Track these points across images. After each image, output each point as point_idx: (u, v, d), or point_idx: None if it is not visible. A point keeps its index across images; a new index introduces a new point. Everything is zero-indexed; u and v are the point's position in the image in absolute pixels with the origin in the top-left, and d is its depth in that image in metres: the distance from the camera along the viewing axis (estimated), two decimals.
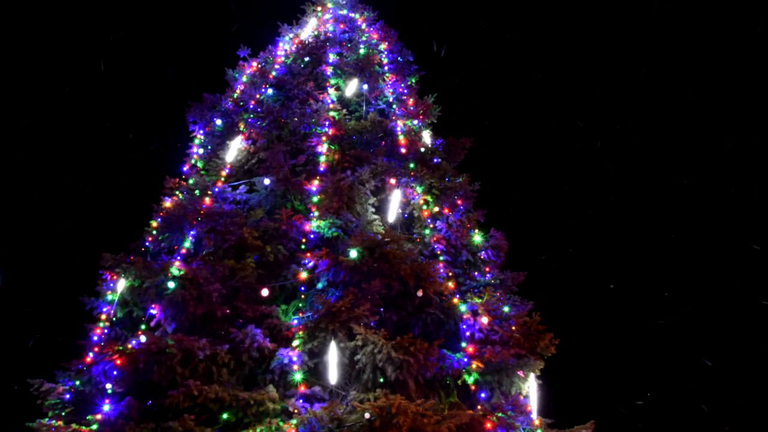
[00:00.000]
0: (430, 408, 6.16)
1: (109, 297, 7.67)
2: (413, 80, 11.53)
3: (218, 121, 9.94)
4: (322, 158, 8.90)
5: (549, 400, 7.63)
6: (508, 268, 8.95)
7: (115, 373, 6.81)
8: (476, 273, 8.75)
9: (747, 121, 19.59)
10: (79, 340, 7.54)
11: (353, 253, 7.44)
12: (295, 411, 6.47)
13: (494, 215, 9.72)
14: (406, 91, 10.76)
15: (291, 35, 11.75)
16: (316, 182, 8.55)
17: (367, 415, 5.96)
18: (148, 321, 7.42)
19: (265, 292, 7.52)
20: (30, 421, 6.68)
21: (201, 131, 10.06)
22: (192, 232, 8.19)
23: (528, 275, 9.00)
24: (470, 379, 7.03)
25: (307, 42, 11.38)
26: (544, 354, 7.33)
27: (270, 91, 10.26)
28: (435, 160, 9.78)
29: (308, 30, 11.89)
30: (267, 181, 8.72)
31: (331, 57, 10.82)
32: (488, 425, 6.52)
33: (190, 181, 9.03)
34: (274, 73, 10.57)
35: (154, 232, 8.57)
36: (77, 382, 7.16)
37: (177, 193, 8.80)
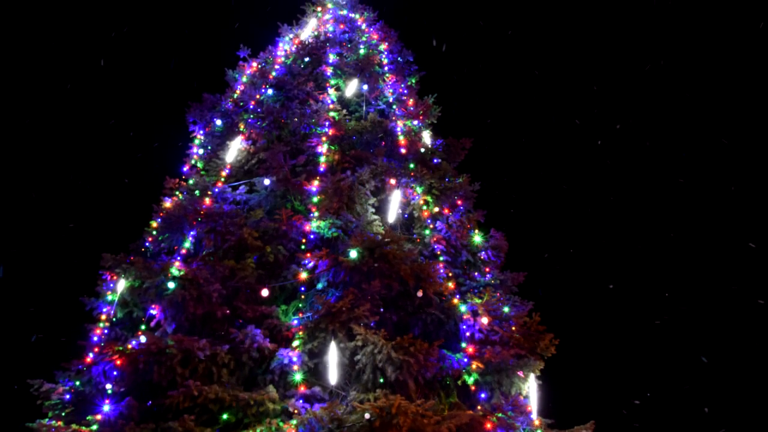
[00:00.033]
0: (430, 408, 6.16)
1: (109, 297, 7.67)
2: (413, 80, 11.53)
3: (218, 122, 9.94)
4: (322, 158, 8.91)
5: (549, 400, 7.64)
6: (508, 269, 8.95)
7: (115, 373, 6.81)
8: (476, 273, 8.76)
9: (741, 118, 19.63)
10: (79, 341, 7.54)
11: (353, 254, 7.44)
12: (295, 411, 6.48)
13: (494, 215, 9.73)
14: (406, 91, 10.76)
15: (291, 35, 11.75)
16: (316, 182, 8.55)
17: (367, 416, 5.96)
18: (148, 321, 7.42)
19: (265, 293, 7.52)
20: (30, 421, 6.68)
21: (201, 131, 10.06)
22: (192, 233, 8.19)
23: (528, 275, 9.01)
24: (470, 380, 7.03)
25: (307, 42, 11.38)
26: (544, 354, 7.33)
27: (270, 91, 10.27)
28: (435, 161, 9.78)
29: (308, 30, 11.90)
30: (267, 182, 8.72)
31: (331, 57, 10.82)
32: (488, 425, 6.52)
33: (190, 182, 9.03)
34: (274, 74, 10.57)
35: (154, 232, 8.57)
36: (77, 383, 7.16)
37: (177, 193, 8.80)
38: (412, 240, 8.68)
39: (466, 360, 7.12)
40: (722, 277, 17.73)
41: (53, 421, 6.76)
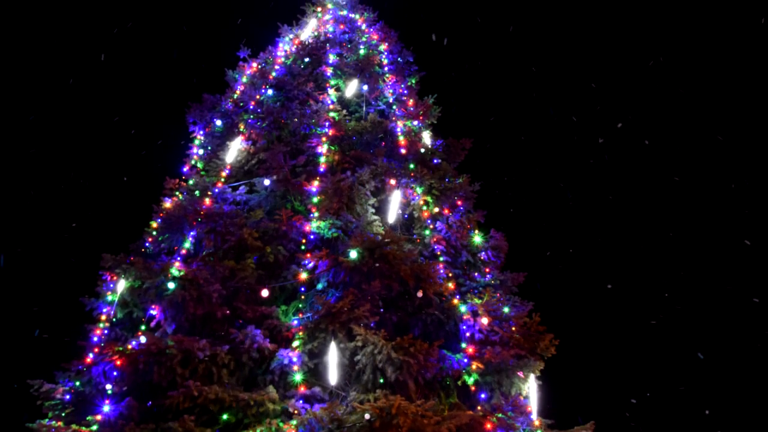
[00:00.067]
0: (430, 409, 6.15)
1: (109, 298, 7.67)
2: (413, 81, 11.53)
3: (218, 122, 9.95)
4: (322, 159, 8.91)
5: (549, 400, 7.64)
6: (508, 269, 8.96)
7: (115, 373, 6.80)
8: (476, 274, 8.76)
9: (736, 115, 19.64)
10: (79, 341, 7.53)
11: (353, 254, 7.44)
12: (295, 412, 6.47)
13: (494, 216, 9.73)
14: (406, 91, 10.77)
15: (291, 36, 11.75)
16: (316, 183, 8.55)
17: (367, 416, 5.96)
18: (148, 322, 7.41)
19: (265, 293, 7.52)
20: (30, 421, 6.68)
21: (201, 132, 10.06)
22: (192, 233, 8.19)
23: (527, 276, 9.02)
24: (470, 380, 7.03)
25: (307, 43, 11.38)
26: (544, 355, 7.33)
27: (270, 91, 10.27)
28: (435, 161, 9.78)
29: (308, 31, 11.90)
30: (267, 182, 8.72)
31: (331, 58, 10.82)
32: (488, 426, 6.52)
33: (190, 182, 9.03)
34: (274, 74, 10.57)
35: (154, 232, 8.57)
36: (77, 383, 7.15)
37: (177, 193, 8.80)
38: (412, 240, 8.68)
39: (466, 360, 7.12)
40: (719, 275, 17.76)
41: (53, 422, 6.76)
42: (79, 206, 17.53)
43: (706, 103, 20.19)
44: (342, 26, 11.89)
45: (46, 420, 6.83)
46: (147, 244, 8.54)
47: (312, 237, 8.01)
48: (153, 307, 7.39)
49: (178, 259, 7.85)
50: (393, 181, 8.84)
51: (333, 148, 9.11)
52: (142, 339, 6.89)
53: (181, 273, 7.29)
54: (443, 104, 10.73)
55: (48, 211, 17.41)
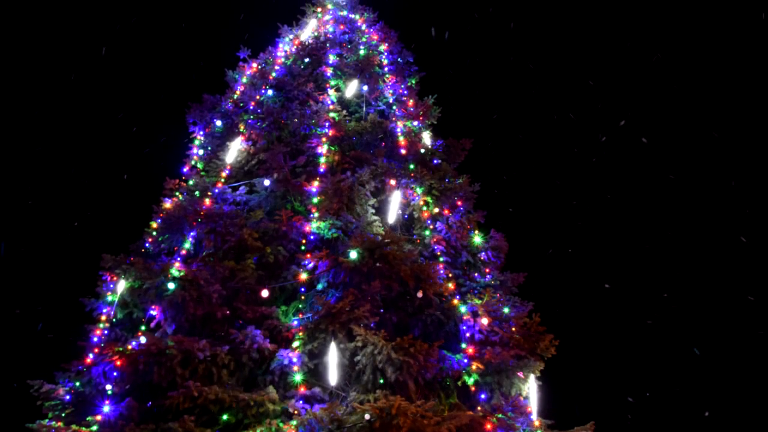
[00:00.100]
0: (430, 409, 6.15)
1: (109, 298, 7.67)
2: (413, 81, 11.54)
3: (218, 122, 9.95)
4: (322, 159, 8.91)
5: (549, 401, 7.63)
6: (508, 269, 8.96)
7: (115, 374, 6.81)
8: (476, 274, 8.76)
9: (732, 114, 19.65)
10: (79, 341, 7.53)
11: (353, 254, 7.44)
12: (295, 412, 6.47)
13: (494, 216, 9.74)
14: (406, 92, 10.77)
15: (291, 36, 11.76)
16: (316, 183, 8.55)
17: (367, 416, 5.96)
18: (148, 322, 7.41)
19: (265, 293, 7.52)
20: (30, 422, 6.68)
21: (201, 132, 10.07)
22: (192, 233, 8.19)
23: (527, 276, 9.01)
24: (470, 380, 7.03)
25: (307, 43, 11.39)
26: (544, 355, 7.33)
27: (270, 92, 10.27)
28: (435, 161, 9.79)
29: (308, 31, 11.90)
30: (267, 182, 8.72)
31: (331, 58, 10.83)
32: (488, 426, 6.51)
33: (190, 182, 9.03)
34: (274, 74, 10.57)
35: (154, 233, 8.57)
36: (77, 383, 7.15)
37: (177, 194, 8.80)
38: (412, 241, 8.69)
39: (466, 361, 7.12)
40: (716, 274, 17.77)
41: (53, 422, 6.75)
42: (79, 206, 17.54)
43: (703, 102, 20.22)
44: (342, 27, 11.89)
45: (46, 420, 6.83)
46: (147, 245, 8.54)
47: (312, 237, 8.01)
48: (153, 307, 7.39)
49: (178, 259, 7.85)
50: (393, 182, 8.85)
51: (333, 148, 9.11)
52: (142, 339, 6.89)
53: (181, 273, 7.30)
54: (443, 103, 10.75)
55: (48, 211, 17.42)
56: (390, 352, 6.71)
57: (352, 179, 8.55)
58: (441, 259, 8.34)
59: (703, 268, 17.86)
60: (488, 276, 8.72)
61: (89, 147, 18.66)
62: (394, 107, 10.33)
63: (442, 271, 8.05)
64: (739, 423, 15.57)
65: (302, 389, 6.80)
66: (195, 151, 9.80)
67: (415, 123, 10.11)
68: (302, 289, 7.60)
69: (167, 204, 8.59)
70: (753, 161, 18.92)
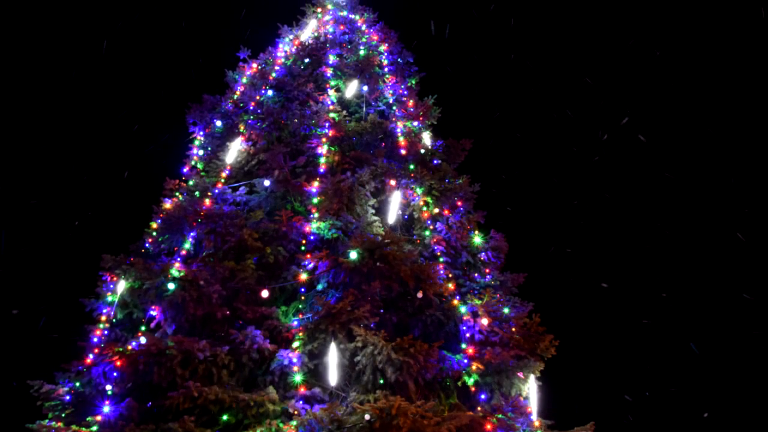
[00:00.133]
0: (430, 409, 6.15)
1: (109, 298, 7.67)
2: (413, 81, 11.54)
3: (218, 123, 9.95)
4: (322, 160, 8.91)
5: (549, 401, 7.63)
6: (508, 270, 8.96)
7: (115, 374, 6.81)
8: (476, 274, 8.76)
9: (728, 112, 19.66)
10: (79, 342, 7.54)
11: (353, 255, 7.44)
12: (295, 412, 6.48)
13: (494, 216, 9.74)
14: (406, 92, 10.77)
15: (291, 37, 11.76)
16: (316, 184, 8.56)
17: (367, 417, 5.97)
18: (148, 322, 7.41)
19: (265, 294, 7.52)
20: (30, 422, 6.68)
21: (201, 132, 10.07)
22: (192, 234, 8.20)
23: (527, 276, 9.01)
24: (470, 381, 7.03)
25: (307, 43, 11.39)
26: (544, 355, 7.33)
27: (270, 92, 10.27)
28: (435, 162, 9.78)
29: (308, 31, 11.90)
30: (267, 183, 8.73)
31: (331, 58, 10.83)
32: (488, 426, 6.52)
33: (190, 183, 9.03)
34: (274, 75, 10.58)
35: (154, 233, 8.57)
36: (77, 384, 7.15)
37: (177, 194, 8.80)
38: (412, 241, 8.69)
39: (466, 361, 7.12)
40: (713, 273, 17.79)
41: (53, 422, 6.75)
42: (79, 206, 17.54)
43: (701, 101, 20.21)
44: (342, 27, 11.89)
45: (46, 421, 6.83)
46: (147, 245, 8.54)
47: (312, 238, 8.02)
48: (153, 307, 7.39)
49: (178, 259, 7.85)
50: (393, 182, 8.85)
51: (333, 148, 9.12)
52: (142, 340, 6.89)
53: (181, 274, 7.30)
54: (443, 103, 10.75)
55: (48, 211, 17.42)
56: (390, 352, 6.72)
57: (352, 179, 8.55)
58: (441, 259, 8.34)
59: (702, 267, 17.89)
60: (488, 276, 8.72)
61: (89, 146, 18.67)
62: (394, 107, 10.34)
63: (442, 272, 8.05)
64: (738, 423, 15.59)
65: (302, 389, 6.80)
66: (195, 151, 9.80)
67: (415, 123, 10.11)
68: (302, 290, 7.60)
69: (167, 204, 8.59)
70: (753, 160, 18.94)
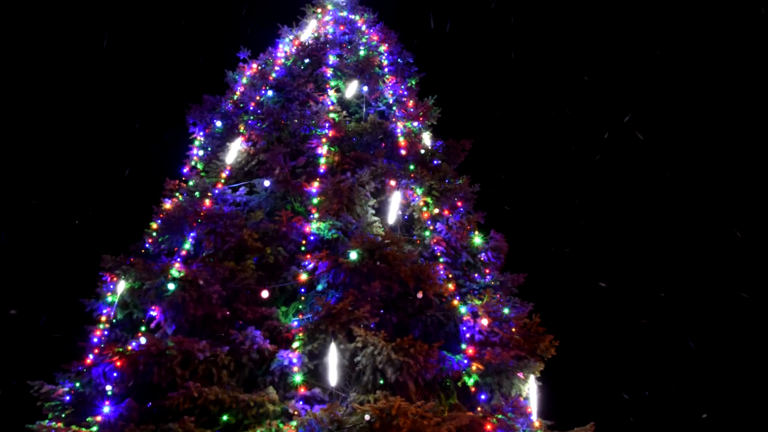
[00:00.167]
0: (430, 410, 6.15)
1: (109, 299, 7.67)
2: (413, 82, 11.55)
3: (218, 123, 9.96)
4: (322, 160, 8.91)
5: (549, 401, 7.63)
6: (508, 270, 8.95)
7: (115, 374, 6.81)
8: (476, 275, 8.76)
9: (728, 112, 19.67)
10: (79, 342, 7.54)
11: (353, 255, 7.44)
12: (295, 413, 6.48)
13: (494, 216, 9.73)
14: (406, 92, 10.78)
15: (291, 37, 11.76)
16: (316, 184, 8.56)
17: (367, 417, 5.97)
18: (148, 323, 7.41)
19: (265, 294, 7.52)
20: (30, 422, 6.68)
21: (201, 133, 10.07)
22: (192, 234, 8.20)
23: (527, 276, 9.01)
24: (470, 381, 7.03)
25: (307, 44, 11.39)
26: (544, 356, 7.33)
27: (270, 92, 10.28)
28: (435, 162, 9.78)
29: (308, 32, 11.91)
30: (267, 183, 8.73)
31: (331, 59, 10.83)
32: (488, 427, 6.52)
33: (190, 183, 9.03)
34: (274, 75, 10.58)
35: (154, 233, 8.57)
36: (77, 384, 7.15)
37: (177, 194, 8.80)
38: (412, 241, 8.69)
39: (466, 361, 7.12)
40: (711, 272, 17.79)
41: (53, 423, 6.75)
42: (79, 206, 17.54)
43: (700, 100, 20.22)
44: (342, 27, 11.90)
45: (46, 421, 6.83)
46: (147, 245, 8.54)
47: (312, 238, 8.02)
48: (153, 308, 7.39)
49: (178, 260, 7.85)
50: (393, 182, 8.85)
51: (333, 149, 9.12)
52: (142, 340, 6.89)
53: (181, 274, 7.30)
54: (442, 102, 10.75)
55: (47, 210, 17.42)
56: (390, 352, 6.71)
57: (352, 180, 8.55)
58: (441, 259, 8.34)
59: (702, 267, 17.89)
60: (488, 277, 8.72)
61: (89, 146, 18.66)
62: (394, 108, 10.34)
63: (442, 272, 8.05)
64: (737, 423, 15.59)
65: (302, 390, 6.79)
66: (195, 151, 9.81)
67: (415, 124, 10.11)
68: (302, 290, 7.60)
69: (167, 205, 8.60)
70: (752, 159, 18.94)
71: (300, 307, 7.49)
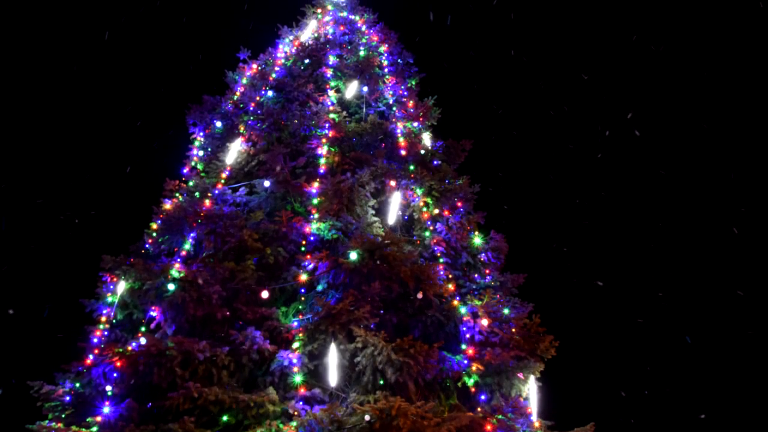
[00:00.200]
0: (430, 410, 6.16)
1: (109, 299, 7.67)
2: (413, 82, 11.55)
3: (218, 123, 9.96)
4: (322, 160, 8.92)
5: (549, 402, 7.63)
6: (508, 270, 8.95)
7: (115, 375, 6.81)
8: (476, 275, 8.76)
9: (727, 112, 19.68)
10: (79, 342, 7.53)
11: (353, 255, 7.44)
12: (295, 413, 6.48)
13: (494, 216, 9.73)
14: (406, 93, 10.78)
15: (291, 37, 11.77)
16: (316, 184, 8.56)
17: (367, 417, 5.97)
18: (148, 323, 7.41)
19: (265, 294, 7.52)
20: (30, 423, 6.68)
21: (201, 133, 10.07)
22: (192, 234, 8.20)
23: (527, 276, 9.00)
24: (470, 381, 7.03)
25: (307, 44, 11.40)
26: (544, 356, 7.33)
27: (270, 93, 10.28)
28: (435, 162, 9.78)
29: (308, 32, 11.91)
30: (267, 183, 8.73)
31: (331, 59, 10.84)
32: (488, 427, 6.51)
33: (190, 183, 9.03)
34: (274, 75, 10.58)
35: (154, 234, 8.57)
36: (77, 384, 7.15)
37: (177, 195, 8.80)
38: (412, 242, 8.69)
39: (466, 362, 7.12)
40: (709, 272, 17.80)
41: (53, 423, 6.74)
42: (79, 206, 17.54)
43: (701, 100, 20.21)
44: (342, 27, 11.90)
45: (46, 421, 6.83)
46: (147, 246, 8.54)
47: (312, 238, 8.02)
48: (153, 308, 7.39)
49: (178, 260, 7.85)
50: (393, 183, 8.85)
51: (333, 149, 9.12)
52: (142, 340, 6.89)
53: (181, 274, 7.30)
54: (442, 102, 10.75)
55: (48, 210, 17.41)
56: (390, 353, 6.72)
57: (352, 180, 8.56)
58: (441, 260, 8.34)
59: (699, 266, 17.91)
60: (488, 277, 8.71)
61: (89, 146, 18.66)
62: (394, 108, 10.34)
63: (442, 272, 8.05)
64: (738, 423, 15.59)
65: (302, 390, 6.79)
66: (195, 152, 9.81)
67: (415, 124, 10.12)
68: (302, 290, 7.60)
69: (167, 205, 8.60)
70: (750, 158, 18.95)
71: (300, 307, 7.49)
